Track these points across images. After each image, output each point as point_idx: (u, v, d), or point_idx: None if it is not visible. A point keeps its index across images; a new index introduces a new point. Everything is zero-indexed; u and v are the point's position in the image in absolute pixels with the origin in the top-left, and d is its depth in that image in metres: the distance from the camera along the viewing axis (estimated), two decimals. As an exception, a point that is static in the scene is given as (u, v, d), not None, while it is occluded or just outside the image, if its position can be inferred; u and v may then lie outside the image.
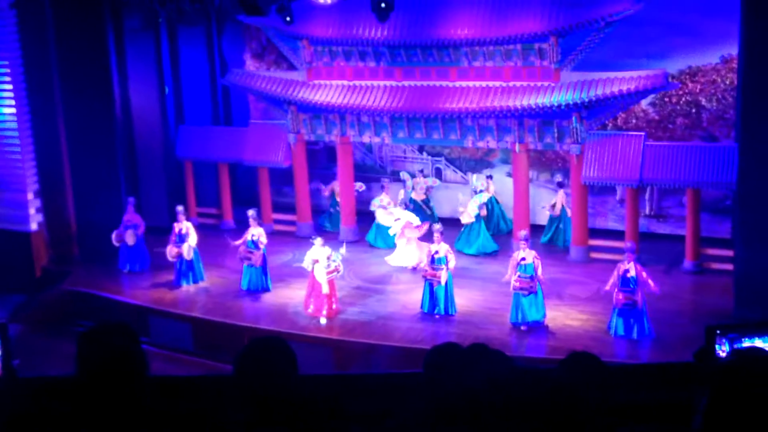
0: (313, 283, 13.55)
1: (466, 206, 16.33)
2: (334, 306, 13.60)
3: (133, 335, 3.86)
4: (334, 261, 13.62)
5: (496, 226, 17.06)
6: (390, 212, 16.34)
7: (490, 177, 17.22)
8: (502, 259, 15.16)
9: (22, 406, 4.49)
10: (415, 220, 15.76)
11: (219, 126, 19.33)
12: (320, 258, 13.51)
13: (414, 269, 14.86)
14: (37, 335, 14.57)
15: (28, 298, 15.93)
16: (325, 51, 16.64)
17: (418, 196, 17.93)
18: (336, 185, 17.83)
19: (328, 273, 13.49)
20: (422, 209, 17.71)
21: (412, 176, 17.95)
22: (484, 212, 16.38)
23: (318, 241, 13.66)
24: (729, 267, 13.83)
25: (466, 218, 16.22)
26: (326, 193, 18.17)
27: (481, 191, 16.67)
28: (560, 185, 16.59)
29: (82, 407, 3.51)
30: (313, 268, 13.51)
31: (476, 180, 17.13)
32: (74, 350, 3.70)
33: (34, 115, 16.46)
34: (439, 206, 17.95)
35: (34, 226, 16.67)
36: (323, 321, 13.44)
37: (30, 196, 16.62)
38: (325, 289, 13.48)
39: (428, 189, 17.90)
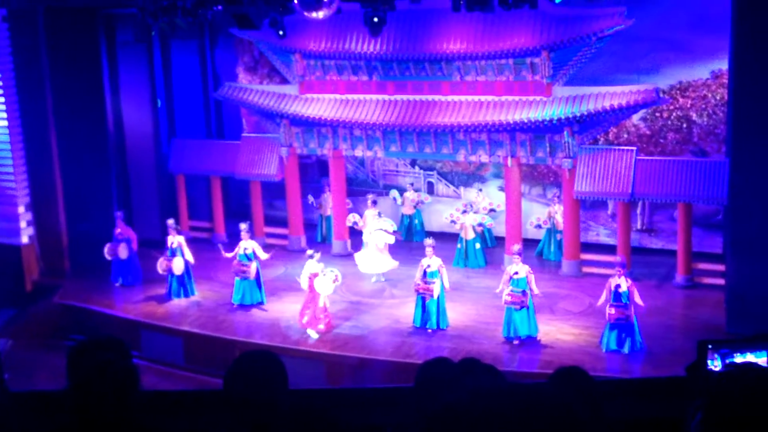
0: (314, 296, 13.52)
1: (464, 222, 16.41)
2: (329, 321, 13.65)
3: (123, 349, 3.85)
4: (332, 272, 13.66)
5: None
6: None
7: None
8: (494, 273, 15.16)
9: (14, 420, 4.46)
10: (388, 227, 15.74)
11: (211, 139, 19.33)
12: (317, 271, 13.53)
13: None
14: (27, 349, 14.49)
15: (19, 311, 15.85)
16: (317, 65, 16.67)
17: (407, 210, 17.98)
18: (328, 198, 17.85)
19: (334, 282, 13.52)
20: (412, 225, 17.83)
21: (401, 193, 18.01)
22: (480, 228, 16.51)
23: (316, 255, 13.68)
24: (720, 282, 13.88)
25: (472, 234, 16.32)
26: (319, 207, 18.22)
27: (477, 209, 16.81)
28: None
29: (72, 422, 3.49)
30: (312, 282, 13.49)
31: (477, 197, 17.30)
32: (65, 364, 3.68)
33: (25, 128, 16.45)
34: (432, 220, 17.98)
35: (25, 240, 16.63)
36: (314, 336, 13.40)
37: (21, 209, 16.58)
38: (322, 302, 13.49)
39: (418, 203, 17.95)
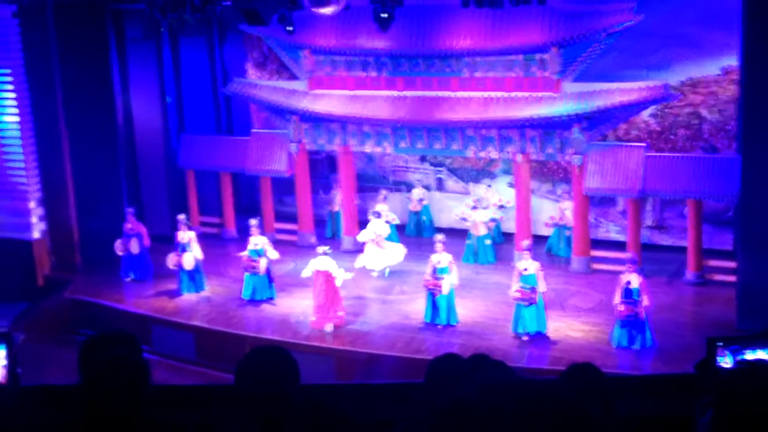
0: (334, 291, 13.55)
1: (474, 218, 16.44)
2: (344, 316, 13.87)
3: (134, 344, 3.87)
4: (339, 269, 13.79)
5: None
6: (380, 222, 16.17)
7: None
8: (504, 269, 15.16)
9: (25, 415, 4.50)
10: (382, 230, 15.69)
11: (221, 135, 19.37)
12: (326, 268, 13.58)
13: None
14: (38, 344, 14.57)
15: (30, 306, 15.94)
16: (326, 61, 16.68)
17: (415, 207, 17.98)
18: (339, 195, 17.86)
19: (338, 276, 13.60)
20: (420, 221, 17.85)
21: (409, 189, 18.03)
22: (491, 224, 16.50)
23: (324, 249, 13.77)
24: (731, 278, 13.83)
25: (483, 230, 16.32)
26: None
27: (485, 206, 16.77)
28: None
29: (83, 416, 3.51)
30: (326, 277, 13.51)
31: (486, 193, 17.27)
32: (76, 359, 3.71)
33: (36, 124, 16.53)
34: (441, 217, 17.98)
35: (36, 235, 16.71)
36: (329, 329, 13.48)
37: (32, 204, 16.66)
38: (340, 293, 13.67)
39: (420, 201, 17.96)
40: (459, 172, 18.25)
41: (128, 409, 3.48)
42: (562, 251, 16.39)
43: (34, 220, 16.68)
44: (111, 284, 15.90)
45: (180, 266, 15.10)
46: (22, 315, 15.59)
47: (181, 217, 15.54)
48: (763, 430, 3.11)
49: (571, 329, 13.12)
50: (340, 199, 17.76)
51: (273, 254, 14.79)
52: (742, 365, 4.14)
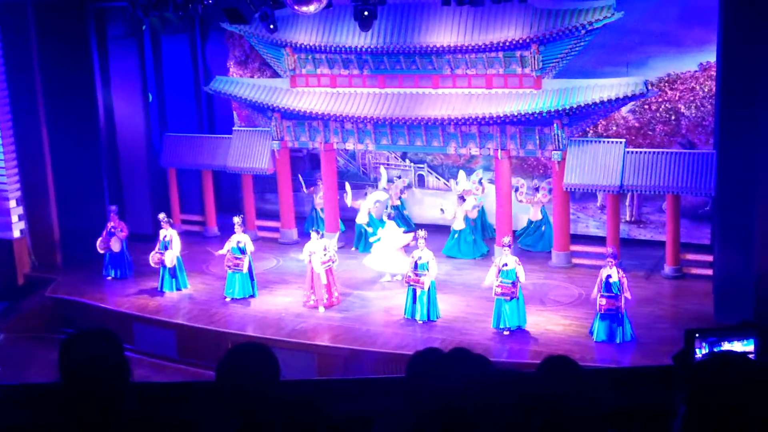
0: (313, 276, 14.06)
1: (454, 212, 16.47)
2: (336, 294, 14.27)
3: (115, 342, 3.88)
4: (328, 252, 14.15)
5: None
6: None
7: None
8: (485, 264, 15.23)
9: (5, 414, 4.50)
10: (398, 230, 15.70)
11: (203, 133, 19.32)
12: (316, 250, 14.02)
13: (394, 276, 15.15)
14: (19, 343, 14.51)
15: (11, 305, 15.86)
16: (308, 58, 16.68)
17: (393, 201, 17.99)
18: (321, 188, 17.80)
19: (323, 263, 13.98)
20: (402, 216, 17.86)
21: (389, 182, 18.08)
22: (474, 214, 16.56)
23: (314, 234, 14.23)
24: (708, 272, 14.00)
25: (458, 224, 16.34)
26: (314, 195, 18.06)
27: (461, 196, 16.76)
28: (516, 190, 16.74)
29: (64, 415, 3.52)
30: (310, 259, 14.05)
31: (462, 183, 17.24)
32: (57, 357, 3.72)
33: (16, 122, 16.42)
34: (422, 212, 18.02)
35: (16, 234, 16.62)
36: (321, 310, 13.97)
37: (12, 203, 16.56)
38: (323, 280, 14.04)
39: (402, 191, 17.96)
40: (440, 168, 18.31)
41: (109, 407, 3.49)
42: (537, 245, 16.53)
43: (14, 219, 16.58)
44: (92, 283, 15.85)
45: (162, 264, 15.10)
46: (2, 314, 15.51)
47: (162, 215, 15.52)
48: (735, 418, 3.18)
49: (551, 323, 13.22)
50: (321, 196, 17.75)
51: (250, 247, 14.82)
52: (708, 358, 4.22)
